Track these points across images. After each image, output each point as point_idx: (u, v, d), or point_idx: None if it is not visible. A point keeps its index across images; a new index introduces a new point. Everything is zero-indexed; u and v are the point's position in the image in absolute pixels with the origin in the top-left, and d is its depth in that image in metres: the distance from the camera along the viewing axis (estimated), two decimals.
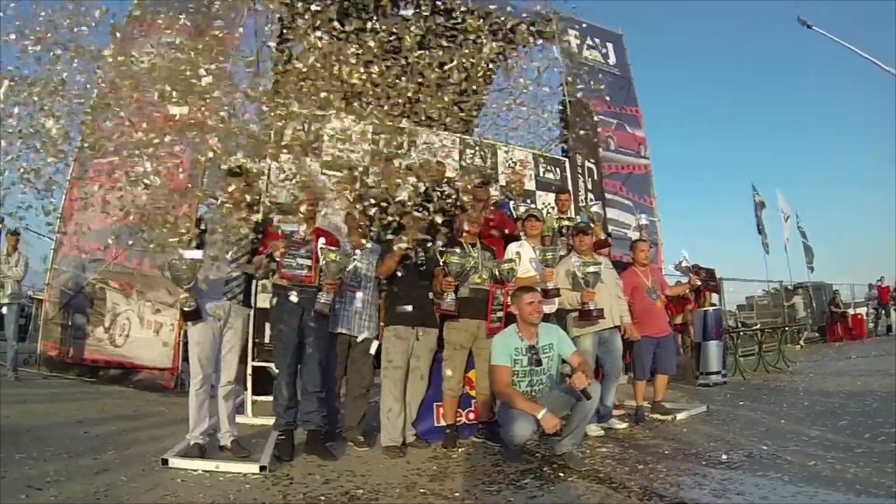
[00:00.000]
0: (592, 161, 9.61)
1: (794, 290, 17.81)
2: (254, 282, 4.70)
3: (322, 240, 4.33)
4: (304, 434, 4.42)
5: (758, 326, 12.98)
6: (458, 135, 8.03)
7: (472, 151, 8.10)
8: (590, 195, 9.02)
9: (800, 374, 9.08)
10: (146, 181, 4.33)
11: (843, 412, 5.43)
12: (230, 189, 4.16)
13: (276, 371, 4.37)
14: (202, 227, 4.09)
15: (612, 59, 11.86)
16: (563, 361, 4.37)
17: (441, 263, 4.68)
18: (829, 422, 5.05)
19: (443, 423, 4.88)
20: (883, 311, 19.18)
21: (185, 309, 3.96)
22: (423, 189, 4.63)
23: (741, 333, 11.19)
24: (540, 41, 11.40)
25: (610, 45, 11.97)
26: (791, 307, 16.98)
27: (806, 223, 20.78)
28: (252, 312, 4.76)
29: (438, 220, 4.58)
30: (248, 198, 4.24)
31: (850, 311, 18.16)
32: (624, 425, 5.39)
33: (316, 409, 4.32)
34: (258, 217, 4.41)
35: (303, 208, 4.48)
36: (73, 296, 8.49)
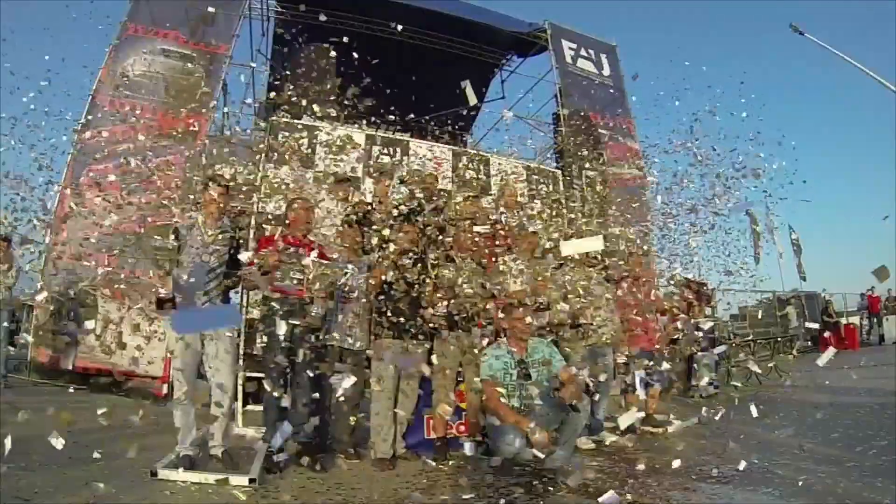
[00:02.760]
0: (593, 171, 9.61)
1: (787, 300, 17.82)
2: (243, 293, 4.69)
3: (314, 252, 4.33)
4: (294, 446, 4.38)
5: (750, 337, 12.98)
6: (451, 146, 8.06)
7: (465, 163, 8.10)
8: (587, 205, 9.03)
9: (792, 385, 9.06)
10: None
11: (835, 424, 5.42)
12: (209, 196, 4.19)
13: (267, 382, 4.34)
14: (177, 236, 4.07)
15: (605, 71, 11.91)
16: (554, 376, 4.36)
17: (432, 276, 4.68)
18: (821, 434, 5.05)
19: (433, 435, 4.87)
20: (875, 321, 19.20)
21: (160, 296, 3.93)
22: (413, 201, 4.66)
23: (734, 344, 11.18)
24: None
25: (604, 57, 12.02)
26: (784, 317, 16.98)
27: (799, 231, 20.71)
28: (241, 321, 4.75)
29: (428, 232, 4.58)
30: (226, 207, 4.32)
31: (843, 321, 18.18)
32: (615, 438, 5.38)
33: (306, 421, 4.30)
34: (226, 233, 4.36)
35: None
36: (65, 303, 8.42)
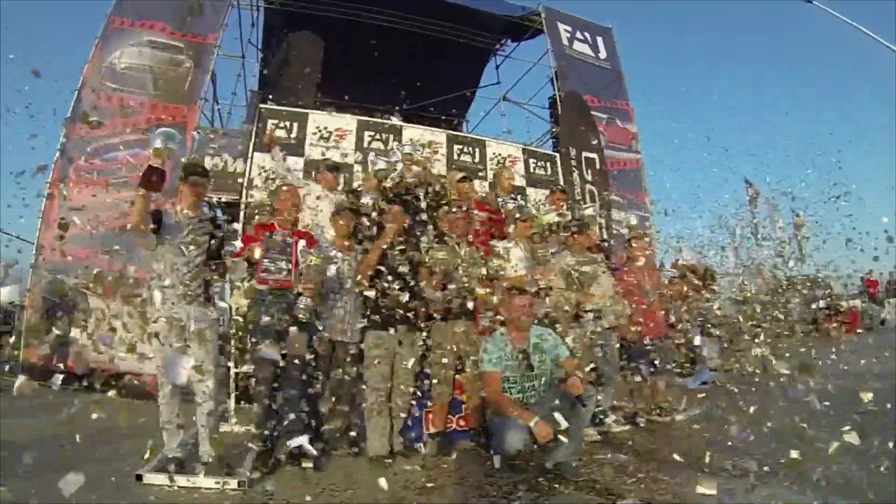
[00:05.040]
0: (588, 153, 9.43)
1: (788, 283, 17.67)
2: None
3: (302, 242, 4.14)
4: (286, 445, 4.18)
5: (753, 322, 12.81)
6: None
7: (461, 147, 7.92)
8: (588, 187, 8.86)
9: (797, 370, 8.87)
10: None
11: (846, 412, 5.23)
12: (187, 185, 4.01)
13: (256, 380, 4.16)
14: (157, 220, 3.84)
15: (602, 54, 11.75)
16: (558, 366, 4.16)
17: (427, 261, 4.51)
18: (833, 423, 4.85)
19: (432, 429, 4.68)
20: (874, 304, 19.12)
21: (152, 163, 3.53)
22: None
23: (737, 330, 11.02)
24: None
25: (600, 40, 11.86)
26: (785, 301, 16.84)
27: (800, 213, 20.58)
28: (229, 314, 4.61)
29: (423, 216, 4.41)
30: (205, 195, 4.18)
31: (844, 304, 18.05)
32: (621, 429, 5.21)
33: (297, 419, 4.10)
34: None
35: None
36: (55, 302, 8.28)
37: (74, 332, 7.85)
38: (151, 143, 3.65)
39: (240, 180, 7.00)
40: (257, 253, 4.02)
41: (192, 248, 3.89)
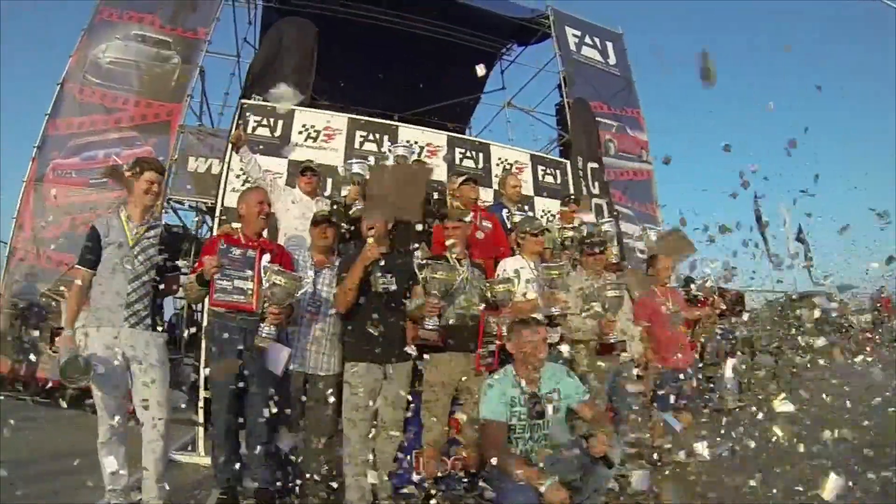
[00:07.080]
0: (595, 163, 8.90)
1: (799, 300, 17.30)
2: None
3: (266, 256, 3.52)
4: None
5: (766, 342, 12.42)
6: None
7: (463, 151, 7.38)
8: (595, 201, 8.31)
9: (820, 394, 8.27)
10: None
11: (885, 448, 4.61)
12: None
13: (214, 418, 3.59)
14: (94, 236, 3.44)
15: (611, 59, 11.50)
16: (576, 415, 3.54)
17: (421, 280, 3.88)
18: (879, 462, 4.21)
19: (423, 474, 4.04)
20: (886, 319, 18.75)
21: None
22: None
23: (754, 351, 10.55)
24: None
25: (609, 45, 11.61)
26: (797, 318, 16.45)
27: (810, 228, 20.24)
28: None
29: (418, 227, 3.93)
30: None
31: (856, 320, 17.62)
32: (641, 472, 4.58)
33: (264, 464, 3.56)
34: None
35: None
36: (27, 308, 7.88)
37: (43, 343, 7.41)
38: None
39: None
40: (209, 269, 3.43)
41: (137, 262, 3.35)
